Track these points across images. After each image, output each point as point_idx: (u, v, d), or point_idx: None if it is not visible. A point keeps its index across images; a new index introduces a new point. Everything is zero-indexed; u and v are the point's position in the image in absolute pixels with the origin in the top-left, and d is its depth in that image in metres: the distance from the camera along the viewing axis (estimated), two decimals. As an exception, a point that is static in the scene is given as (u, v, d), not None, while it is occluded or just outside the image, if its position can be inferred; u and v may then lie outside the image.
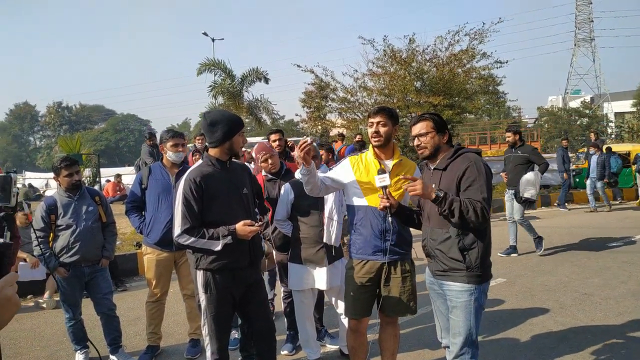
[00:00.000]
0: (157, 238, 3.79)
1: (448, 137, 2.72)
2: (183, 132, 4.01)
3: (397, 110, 13.63)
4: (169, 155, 3.86)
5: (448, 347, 2.73)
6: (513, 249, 7.44)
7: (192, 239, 2.68)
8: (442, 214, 2.47)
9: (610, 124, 41.99)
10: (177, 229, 2.71)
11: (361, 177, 2.97)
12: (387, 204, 2.67)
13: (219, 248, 2.68)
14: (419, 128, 2.68)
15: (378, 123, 2.91)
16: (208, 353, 2.86)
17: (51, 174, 3.81)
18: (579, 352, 3.79)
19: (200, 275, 2.80)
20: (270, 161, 3.93)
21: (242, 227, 2.68)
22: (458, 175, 2.52)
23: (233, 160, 2.97)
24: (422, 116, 2.72)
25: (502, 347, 3.94)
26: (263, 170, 4.03)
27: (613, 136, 38.16)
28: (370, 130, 2.94)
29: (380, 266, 2.96)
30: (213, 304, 2.79)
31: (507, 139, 7.46)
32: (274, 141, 4.85)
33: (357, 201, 2.99)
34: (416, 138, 2.69)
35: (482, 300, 2.59)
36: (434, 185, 2.60)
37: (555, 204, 12.82)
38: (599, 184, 11.85)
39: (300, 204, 3.52)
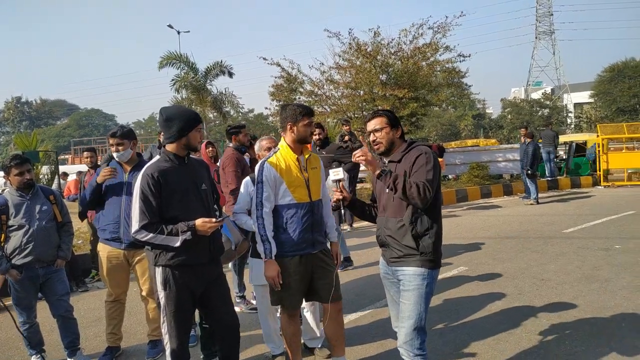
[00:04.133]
0: (105, 234, 3.73)
1: (401, 132, 2.79)
2: (123, 128, 3.89)
3: (364, 103, 13.77)
4: (113, 154, 3.78)
5: None
6: None
7: (151, 234, 2.66)
8: (388, 188, 2.55)
9: (569, 114, 43.50)
10: (134, 225, 2.68)
11: (286, 175, 3.00)
12: (341, 197, 2.76)
13: (178, 244, 2.67)
14: (373, 124, 2.75)
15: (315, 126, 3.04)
16: (168, 351, 2.82)
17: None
18: (535, 335, 3.93)
19: (159, 271, 2.76)
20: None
21: (202, 223, 2.68)
22: (410, 164, 2.62)
23: (191, 156, 2.95)
24: (377, 112, 2.79)
25: (461, 334, 4.05)
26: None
27: (572, 126, 39.55)
28: (312, 134, 3.09)
29: (311, 257, 3.06)
30: (172, 301, 2.76)
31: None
32: (245, 135, 5.08)
33: (285, 200, 3.00)
34: (372, 134, 2.75)
35: (433, 286, 2.70)
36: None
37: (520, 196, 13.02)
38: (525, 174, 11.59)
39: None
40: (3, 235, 3.61)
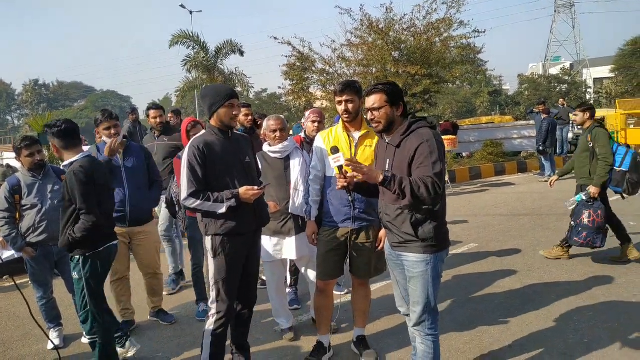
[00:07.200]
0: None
1: (403, 109, 2.61)
2: (107, 111, 3.97)
3: (376, 81, 13.56)
4: (104, 139, 3.82)
5: (408, 315, 2.78)
6: None
7: (198, 201, 2.82)
8: (395, 194, 2.41)
9: (589, 90, 42.44)
10: (183, 193, 2.85)
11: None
12: (345, 184, 2.61)
13: (223, 210, 2.81)
14: (372, 101, 2.56)
15: (346, 101, 2.99)
16: (213, 319, 2.92)
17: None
18: (542, 312, 3.94)
19: (209, 240, 2.91)
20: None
21: (244, 190, 2.83)
22: (410, 154, 2.46)
23: (235, 131, 3.12)
24: (376, 87, 2.58)
25: (470, 310, 4.07)
26: (303, 133, 4.25)
27: (592, 102, 38.57)
28: (340, 109, 3.02)
29: (349, 232, 3.13)
30: (222, 269, 2.89)
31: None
32: (246, 115, 4.73)
33: (329, 172, 3.15)
34: (370, 112, 2.60)
35: (439, 269, 2.62)
36: (387, 161, 2.58)
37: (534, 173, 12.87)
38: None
39: (267, 175, 3.52)
40: (18, 214, 3.71)
